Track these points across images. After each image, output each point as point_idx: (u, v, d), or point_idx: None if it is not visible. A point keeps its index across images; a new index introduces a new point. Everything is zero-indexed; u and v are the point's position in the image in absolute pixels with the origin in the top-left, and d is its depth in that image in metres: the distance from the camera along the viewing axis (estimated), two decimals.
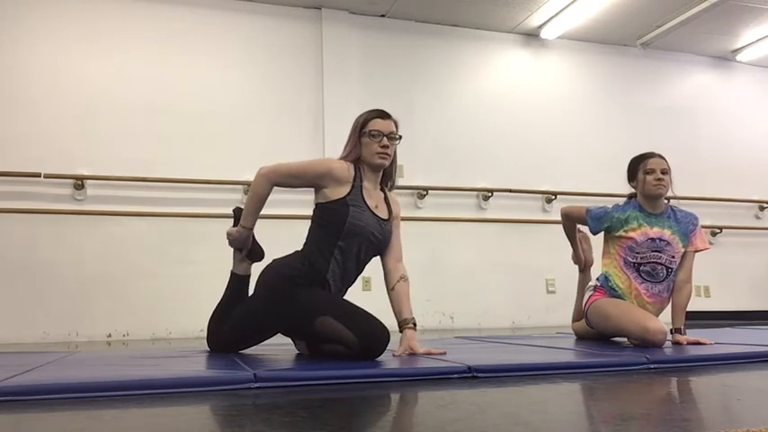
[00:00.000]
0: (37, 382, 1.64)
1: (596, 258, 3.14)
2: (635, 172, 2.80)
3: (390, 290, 2.37)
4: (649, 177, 2.73)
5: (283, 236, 2.92)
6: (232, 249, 2.53)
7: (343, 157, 2.37)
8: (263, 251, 2.55)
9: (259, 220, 2.44)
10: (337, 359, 2.11)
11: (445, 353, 2.21)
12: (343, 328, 2.10)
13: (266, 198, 2.33)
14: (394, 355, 2.20)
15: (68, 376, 1.74)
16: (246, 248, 2.49)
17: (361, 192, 2.31)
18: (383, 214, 2.37)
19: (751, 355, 2.20)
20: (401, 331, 2.30)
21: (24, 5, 4.76)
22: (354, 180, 2.31)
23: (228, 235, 2.45)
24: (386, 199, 2.44)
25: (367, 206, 2.30)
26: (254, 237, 2.50)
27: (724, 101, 6.65)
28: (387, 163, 2.37)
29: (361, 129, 2.35)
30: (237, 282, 2.52)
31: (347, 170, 2.30)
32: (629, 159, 2.87)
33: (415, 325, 2.30)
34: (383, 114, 2.37)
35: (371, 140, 2.32)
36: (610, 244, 2.84)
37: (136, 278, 4.64)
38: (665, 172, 2.74)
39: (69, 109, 4.73)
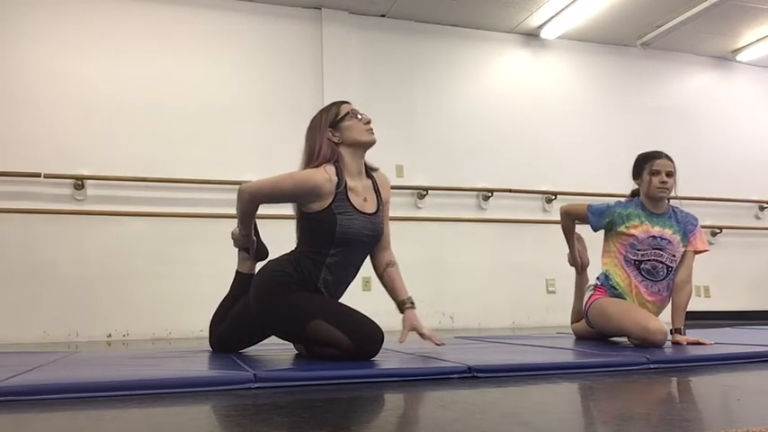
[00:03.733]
0: (37, 382, 1.64)
1: (593, 260, 3.14)
2: (641, 170, 2.78)
3: (380, 276, 2.34)
4: (654, 179, 2.71)
5: (282, 235, 2.91)
6: (237, 249, 2.55)
7: (320, 161, 2.21)
8: (266, 251, 2.56)
9: (259, 220, 2.47)
10: (335, 360, 2.10)
11: (444, 344, 2.24)
12: (336, 331, 2.07)
13: (255, 213, 2.34)
14: (400, 341, 2.22)
15: (68, 376, 1.74)
16: (252, 248, 2.51)
17: (346, 194, 2.21)
18: (371, 207, 2.28)
19: (751, 355, 2.20)
20: (401, 312, 2.27)
21: (24, 5, 4.76)
22: (338, 186, 2.19)
23: (232, 235, 2.49)
24: (374, 186, 2.34)
25: (354, 208, 2.21)
26: (258, 237, 2.54)
27: (724, 101, 6.64)
28: (375, 138, 2.27)
29: (334, 119, 2.25)
30: (241, 281, 2.52)
31: (331, 181, 2.17)
32: (636, 156, 2.84)
33: (413, 304, 2.26)
34: (345, 101, 2.33)
35: (355, 120, 2.25)
36: (610, 242, 2.83)
37: (136, 278, 4.64)
38: (671, 174, 2.71)
39: (69, 109, 4.72)
